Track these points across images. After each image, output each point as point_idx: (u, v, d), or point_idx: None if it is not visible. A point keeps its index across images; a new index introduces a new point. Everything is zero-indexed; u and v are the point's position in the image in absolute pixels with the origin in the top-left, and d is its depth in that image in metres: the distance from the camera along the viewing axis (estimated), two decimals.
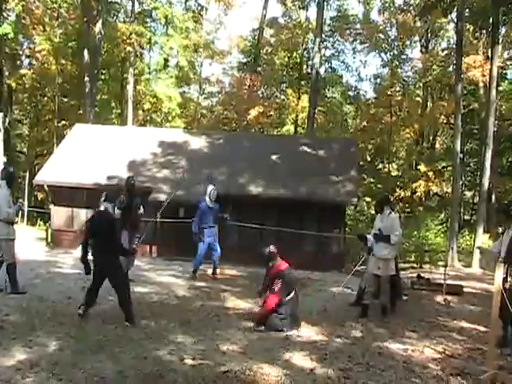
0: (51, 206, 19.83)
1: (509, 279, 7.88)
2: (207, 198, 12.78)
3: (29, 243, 19.77)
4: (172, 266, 15.34)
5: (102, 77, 36.39)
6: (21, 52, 35.42)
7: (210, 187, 12.90)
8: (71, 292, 10.17)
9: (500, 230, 10.27)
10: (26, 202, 24.24)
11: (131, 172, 19.28)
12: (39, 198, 33.67)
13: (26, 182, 31.22)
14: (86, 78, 31.43)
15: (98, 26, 32.07)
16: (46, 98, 37.03)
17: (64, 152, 20.73)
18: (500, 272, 6.90)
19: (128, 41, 32.90)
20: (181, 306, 9.69)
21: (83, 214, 18.84)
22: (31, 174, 30.86)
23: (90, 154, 20.00)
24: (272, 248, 8.75)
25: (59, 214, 19.38)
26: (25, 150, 39.87)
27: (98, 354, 6.53)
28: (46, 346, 6.74)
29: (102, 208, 8.53)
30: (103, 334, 7.40)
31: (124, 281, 8.41)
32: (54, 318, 8.17)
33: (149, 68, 38.42)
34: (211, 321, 8.66)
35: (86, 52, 31.31)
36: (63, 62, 33.77)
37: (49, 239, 19.69)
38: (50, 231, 19.83)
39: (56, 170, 19.53)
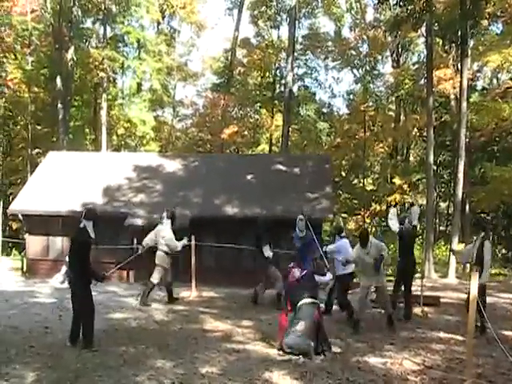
0: (26, 235, 19.62)
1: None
2: (297, 229, 12.51)
3: (3, 273, 19.58)
4: None
5: (75, 103, 36.24)
6: None
7: (298, 217, 12.57)
8: (48, 322, 10.07)
9: (474, 238, 10.72)
10: None
11: (106, 197, 19.25)
12: (14, 228, 33.26)
13: (0, 211, 30.83)
14: (59, 105, 31.27)
15: (70, 53, 32.04)
16: (18, 127, 36.69)
17: (38, 180, 20.58)
18: (475, 282, 7.01)
19: (100, 66, 32.86)
20: (159, 331, 9.64)
21: (59, 243, 18.73)
22: (5, 204, 30.58)
23: (65, 182, 19.87)
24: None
25: (34, 243, 19.16)
26: None
27: (76, 383, 6.46)
28: (24, 378, 6.62)
29: (81, 225, 8.35)
30: (81, 362, 7.31)
31: (85, 305, 8.27)
32: (31, 348, 8.04)
33: (122, 92, 38.30)
34: (190, 344, 8.61)
35: (58, 79, 31.15)
36: (35, 89, 33.60)
37: (24, 269, 19.44)
38: (25, 260, 19.60)
39: (30, 198, 19.36)
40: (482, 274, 9.34)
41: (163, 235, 12.40)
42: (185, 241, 12.65)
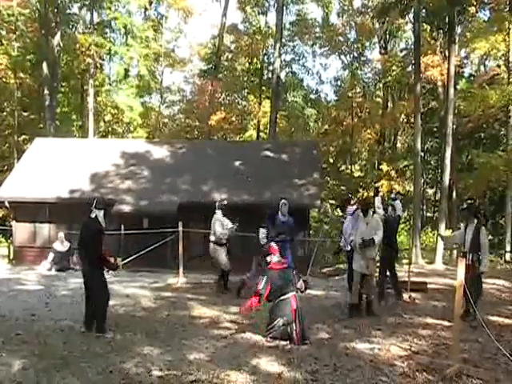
0: (13, 223, 19.51)
1: (476, 265, 9.62)
2: (280, 214, 12.51)
3: None
4: (137, 277, 15.27)
5: (62, 89, 36.00)
6: None
7: (282, 201, 12.66)
8: (35, 309, 10.04)
9: (462, 225, 10.77)
10: None
11: (94, 184, 19.14)
12: (0, 215, 33.00)
13: None
14: (46, 91, 31.06)
15: (57, 38, 31.78)
16: (4, 113, 36.33)
17: (25, 167, 20.45)
18: (462, 267, 7.03)
19: (87, 52, 32.64)
20: (147, 317, 9.63)
21: (46, 230, 18.64)
22: None
23: (52, 168, 19.76)
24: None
25: (21, 230, 19.08)
26: None
27: (63, 370, 6.42)
28: (10, 366, 6.59)
29: (92, 215, 8.34)
30: (68, 349, 7.29)
31: (99, 292, 8.27)
32: (17, 336, 8.01)
33: (109, 79, 38.11)
34: (177, 330, 8.62)
35: (44, 65, 30.90)
36: (22, 75, 33.34)
37: (11, 256, 19.35)
38: (12, 248, 19.50)
39: (17, 185, 19.24)
40: (482, 262, 9.72)
41: (213, 225, 12.84)
42: (235, 226, 12.96)
